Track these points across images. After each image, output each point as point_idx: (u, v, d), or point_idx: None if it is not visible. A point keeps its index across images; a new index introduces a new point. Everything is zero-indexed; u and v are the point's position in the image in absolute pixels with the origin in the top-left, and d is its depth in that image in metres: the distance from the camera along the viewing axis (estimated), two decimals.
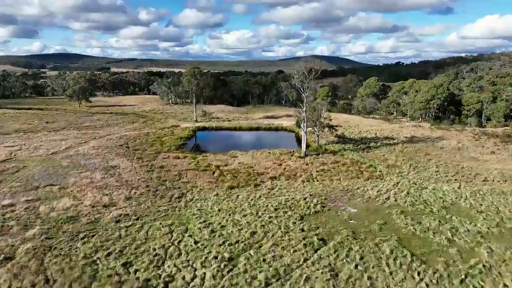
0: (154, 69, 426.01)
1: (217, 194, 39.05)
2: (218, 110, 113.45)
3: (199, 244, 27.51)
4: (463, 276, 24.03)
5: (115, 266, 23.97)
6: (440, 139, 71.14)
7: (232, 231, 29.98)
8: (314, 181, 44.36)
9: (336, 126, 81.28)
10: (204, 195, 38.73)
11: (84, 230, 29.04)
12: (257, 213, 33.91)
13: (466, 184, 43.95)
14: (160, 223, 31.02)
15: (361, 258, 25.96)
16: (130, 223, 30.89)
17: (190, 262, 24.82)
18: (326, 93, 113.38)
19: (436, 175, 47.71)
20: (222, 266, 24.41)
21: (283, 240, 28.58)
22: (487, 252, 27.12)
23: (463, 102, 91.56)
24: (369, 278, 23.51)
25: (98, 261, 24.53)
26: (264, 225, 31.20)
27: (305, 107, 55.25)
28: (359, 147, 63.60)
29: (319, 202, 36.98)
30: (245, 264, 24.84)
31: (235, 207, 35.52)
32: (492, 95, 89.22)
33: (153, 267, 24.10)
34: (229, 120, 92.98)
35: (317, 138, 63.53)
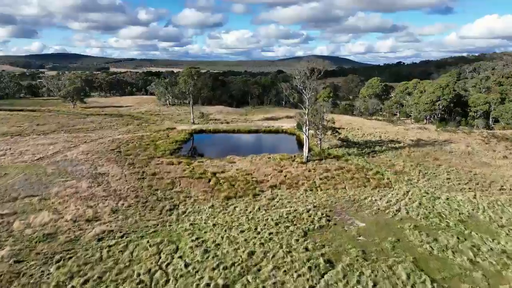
0: (154, 69, 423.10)
1: (212, 206, 35.80)
2: (217, 111, 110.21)
3: (190, 268, 24.29)
4: None
5: None
6: (448, 142, 67.92)
7: (227, 251, 26.74)
8: (317, 190, 41.11)
9: (339, 128, 78.05)
10: (198, 207, 35.48)
11: (60, 251, 25.79)
12: (255, 229, 30.68)
13: (481, 193, 40.73)
14: (148, 242, 27.78)
15: (374, 286, 22.76)
16: (113, 241, 27.64)
17: None
18: (328, 93, 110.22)
19: (448, 182, 44.48)
20: None
21: (285, 261, 25.36)
22: None
23: (470, 103, 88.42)
24: None
25: None
26: (264, 243, 27.97)
27: (307, 109, 52.00)
28: (363, 151, 60.35)
29: (324, 215, 33.75)
30: None
31: (232, 221, 32.27)
32: (500, 96, 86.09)
33: None
34: (228, 122, 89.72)
35: (319, 142, 60.27)
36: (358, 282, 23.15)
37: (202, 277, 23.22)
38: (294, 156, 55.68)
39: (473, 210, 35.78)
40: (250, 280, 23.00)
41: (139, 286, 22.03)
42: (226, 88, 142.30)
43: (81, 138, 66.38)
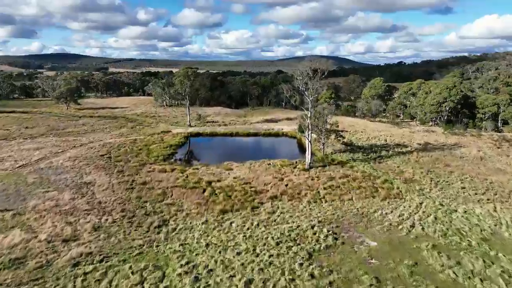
0: (153, 69, 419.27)
1: (206, 221, 32.27)
2: (214, 113, 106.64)
3: None
4: None
5: None
6: (457, 146, 64.43)
7: (221, 279, 23.26)
8: (322, 202, 37.59)
9: (342, 131, 74.57)
10: (191, 223, 31.95)
11: (27, 281, 22.28)
12: (254, 249, 27.18)
13: (501, 205, 37.23)
14: (131, 267, 24.27)
15: None
16: (91, 267, 24.13)
17: None
18: (329, 94, 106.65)
19: (464, 192, 40.99)
20: None
21: None
22: None
23: (478, 104, 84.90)
24: None
25: None
26: (263, 269, 24.48)
27: (309, 112, 48.46)
28: (369, 156, 56.83)
29: (330, 232, 30.24)
30: None
31: (227, 240, 28.75)
32: (509, 96, 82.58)
33: None
34: (226, 125, 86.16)
35: (322, 147, 56.74)
36: None
37: None
38: (296, 162, 52.14)
39: (495, 225, 32.30)
40: None
41: None
42: (224, 88, 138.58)
43: (71, 142, 62.81)
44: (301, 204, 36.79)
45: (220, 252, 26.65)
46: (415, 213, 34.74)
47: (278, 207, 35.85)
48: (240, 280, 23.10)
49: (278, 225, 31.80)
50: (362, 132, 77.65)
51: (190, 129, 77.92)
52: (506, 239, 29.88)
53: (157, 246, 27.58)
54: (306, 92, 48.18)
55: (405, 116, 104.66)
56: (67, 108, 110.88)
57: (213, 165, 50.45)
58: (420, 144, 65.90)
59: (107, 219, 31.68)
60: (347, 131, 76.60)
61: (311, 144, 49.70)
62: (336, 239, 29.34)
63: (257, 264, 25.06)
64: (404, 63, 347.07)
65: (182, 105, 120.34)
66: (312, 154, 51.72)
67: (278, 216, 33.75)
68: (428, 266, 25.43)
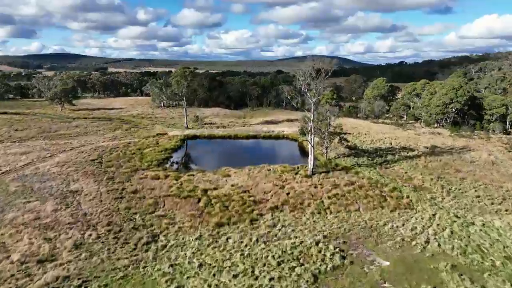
0: (152, 69, 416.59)
1: (200, 236, 29.36)
2: (213, 114, 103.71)
3: None
4: None
5: None
6: (466, 150, 61.50)
7: None
8: (326, 213, 34.66)
9: (345, 133, 71.67)
10: (183, 238, 29.03)
11: None
12: (252, 271, 24.28)
13: None
14: None
15: None
16: None
17: None
18: (331, 95, 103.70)
19: (479, 202, 38.06)
20: None
21: None
22: None
23: (485, 105, 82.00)
24: None
25: None
26: None
27: (312, 115, 45.50)
28: (374, 161, 53.89)
29: (337, 250, 27.32)
30: None
31: (223, 259, 25.82)
32: None
33: None
34: (224, 126, 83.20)
35: (325, 151, 53.81)
36: None
37: None
38: (298, 167, 49.20)
39: None
40: None
41: None
42: (223, 89, 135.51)
43: (61, 145, 59.85)
44: (304, 216, 33.86)
45: (214, 275, 23.75)
46: (428, 226, 31.81)
47: (279, 220, 32.92)
48: None
49: (279, 240, 28.89)
50: (365, 134, 74.71)
51: (187, 132, 74.95)
52: None
53: (144, 267, 24.67)
54: (308, 94, 45.23)
55: (409, 117, 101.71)
56: (62, 109, 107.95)
57: (209, 171, 47.53)
58: (427, 148, 62.97)
59: (90, 235, 28.74)
60: (350, 134, 73.66)
61: (313, 149, 46.75)
62: (343, 257, 26.42)
63: None
64: (406, 63, 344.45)
65: (180, 106, 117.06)
66: (315, 158, 48.79)
67: (279, 230, 30.82)
68: None
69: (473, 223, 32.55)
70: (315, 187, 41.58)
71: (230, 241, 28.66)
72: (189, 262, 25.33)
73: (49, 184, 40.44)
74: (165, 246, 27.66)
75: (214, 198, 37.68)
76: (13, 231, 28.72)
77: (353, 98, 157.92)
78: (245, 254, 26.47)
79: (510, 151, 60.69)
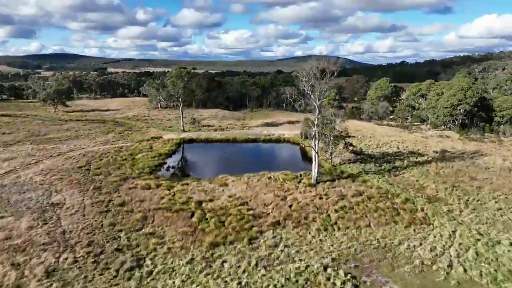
0: (152, 69, 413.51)
1: (191, 260, 25.82)
2: (211, 116, 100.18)
3: None
4: None
5: None
6: (478, 155, 57.98)
7: None
8: (334, 230, 31.11)
9: (349, 136, 68.18)
10: (172, 262, 25.48)
11: None
12: None
13: None
14: None
15: None
16: None
17: None
18: (334, 96, 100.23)
19: (501, 215, 34.54)
20: None
21: None
22: None
23: (495, 107, 78.52)
24: None
25: None
26: None
27: (317, 119, 41.94)
28: (382, 167, 50.37)
29: (349, 276, 23.80)
30: None
31: None
32: None
33: None
34: (222, 129, 79.67)
35: (330, 157, 50.29)
36: None
37: None
38: (300, 175, 45.65)
39: None
40: None
41: None
42: (222, 89, 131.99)
43: (48, 151, 56.31)
44: (309, 233, 30.30)
45: None
46: (449, 246, 28.27)
47: (281, 238, 29.37)
48: None
49: (281, 264, 25.34)
50: (371, 137, 71.17)
51: (183, 135, 71.37)
52: None
53: None
54: (312, 96, 41.66)
55: (414, 119, 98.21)
56: (55, 111, 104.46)
57: (205, 179, 44.02)
58: (436, 152, 59.44)
59: (66, 258, 25.19)
60: (354, 137, 70.07)
61: (318, 155, 43.18)
62: (356, 286, 22.88)
63: None
64: (407, 62, 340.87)
65: (178, 107, 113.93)
66: (319, 165, 45.25)
67: (282, 251, 27.28)
68: None
69: (499, 242, 29.01)
70: (320, 198, 38.04)
71: (226, 265, 25.12)
72: None
73: (29, 195, 36.89)
74: (151, 272, 24.11)
75: (209, 211, 34.14)
76: None
77: (355, 99, 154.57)
78: (243, 283, 22.93)
79: None
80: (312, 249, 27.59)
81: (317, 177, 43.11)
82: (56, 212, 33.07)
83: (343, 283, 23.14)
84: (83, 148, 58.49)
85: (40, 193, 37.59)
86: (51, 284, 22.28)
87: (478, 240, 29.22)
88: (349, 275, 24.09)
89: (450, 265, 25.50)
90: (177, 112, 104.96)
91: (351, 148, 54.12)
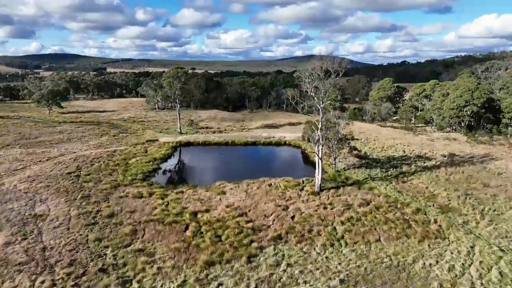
0: (151, 69, 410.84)
1: (184, 282, 23.16)
2: (209, 117, 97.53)
3: None
4: None
5: None
6: (488, 159, 55.36)
7: None
8: (341, 245, 28.42)
9: (353, 139, 65.56)
10: (162, 285, 22.81)
11: None
12: None
13: None
14: None
15: None
16: None
17: None
18: (335, 96, 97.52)
19: None
20: None
21: None
22: None
23: (503, 108, 75.84)
24: None
25: None
26: None
27: (320, 123, 39.26)
28: (389, 173, 47.75)
29: None
30: None
31: None
32: None
33: None
34: (221, 131, 77.02)
35: (334, 162, 47.64)
36: None
37: None
38: (303, 181, 43.05)
39: None
40: None
41: None
42: (221, 90, 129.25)
43: (37, 155, 53.65)
44: (314, 250, 27.62)
45: None
46: (469, 265, 25.61)
47: (283, 255, 26.68)
48: None
49: (284, 287, 22.67)
50: (375, 140, 68.56)
51: (180, 138, 68.68)
52: None
53: None
54: (316, 98, 38.99)
55: (418, 120, 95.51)
56: (49, 112, 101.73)
57: (202, 186, 41.41)
58: (444, 156, 56.82)
59: (43, 281, 22.52)
60: (358, 140, 67.55)
61: (321, 161, 40.51)
62: None
63: None
64: (408, 62, 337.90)
65: (176, 108, 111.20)
66: (323, 170, 42.57)
67: (284, 271, 24.60)
68: None
69: None
70: (325, 208, 35.39)
71: None
72: None
73: (10, 206, 34.21)
74: None
75: (205, 224, 31.47)
76: None
77: (357, 99, 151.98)
78: None
79: None
80: (318, 269, 24.91)
81: (320, 184, 40.45)
82: (38, 225, 30.40)
83: None
84: (75, 152, 55.83)
85: (23, 203, 34.91)
86: None
87: (501, 257, 26.56)
88: None
89: None
90: (175, 113, 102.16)
91: (355, 152, 51.42)
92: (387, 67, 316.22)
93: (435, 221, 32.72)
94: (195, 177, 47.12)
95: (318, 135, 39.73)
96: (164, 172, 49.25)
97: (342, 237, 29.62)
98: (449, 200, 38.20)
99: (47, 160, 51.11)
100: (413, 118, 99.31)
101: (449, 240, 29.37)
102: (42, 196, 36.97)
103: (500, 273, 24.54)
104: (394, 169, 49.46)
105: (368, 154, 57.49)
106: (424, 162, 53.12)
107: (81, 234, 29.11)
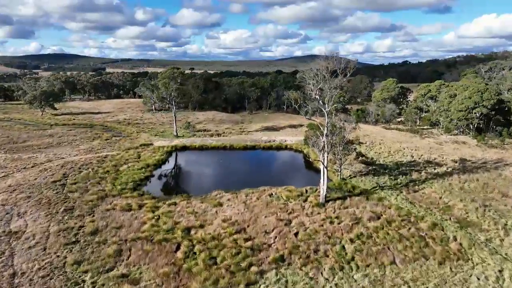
0: (151, 70, 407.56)
1: None
2: (207, 119, 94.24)
3: None
4: None
5: None
6: (502, 164, 52.12)
7: None
8: (351, 268, 25.13)
9: (359, 143, 62.38)
10: None
11: None
12: None
13: None
14: None
15: None
16: None
17: None
18: (338, 97, 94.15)
19: None
20: None
21: None
22: None
23: None
24: None
25: None
26: None
27: (326, 128, 35.99)
28: (398, 181, 44.49)
29: None
30: None
31: None
32: None
33: None
34: (219, 134, 73.73)
35: (339, 169, 44.38)
36: None
37: None
38: (306, 191, 39.84)
39: None
40: None
41: None
42: (220, 91, 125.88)
43: (23, 161, 50.38)
44: (321, 274, 24.34)
45: None
46: None
47: (286, 282, 23.42)
48: None
49: None
50: (380, 144, 65.25)
51: (176, 141, 65.37)
52: None
53: None
54: (321, 101, 35.69)
55: (423, 122, 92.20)
56: (42, 114, 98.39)
57: (197, 197, 38.16)
58: (455, 162, 53.58)
59: None
60: (362, 143, 64.37)
61: (326, 170, 37.22)
62: None
63: None
64: (409, 62, 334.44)
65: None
66: (328, 179, 39.29)
67: None
68: None
69: None
70: (331, 222, 32.13)
71: None
72: None
73: None
74: None
75: (199, 242, 28.19)
76: None
77: (359, 100, 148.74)
78: None
79: None
80: None
81: (325, 194, 37.17)
82: (11, 245, 27.13)
83: None
84: (63, 158, 52.55)
85: None
86: None
87: None
88: None
89: None
90: (172, 115, 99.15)
91: (362, 158, 48.16)
92: (388, 67, 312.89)
93: (455, 239, 29.47)
94: (190, 186, 43.86)
95: (323, 141, 36.43)
96: (157, 180, 45.96)
97: (353, 258, 26.33)
98: (466, 213, 34.93)
99: (32, 167, 47.83)
100: (418, 120, 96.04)
101: (473, 262, 26.10)
102: (21, 209, 33.70)
103: None
104: (404, 177, 46.18)
105: (375, 159, 54.23)
106: (435, 169, 49.85)
107: (58, 256, 25.84)
